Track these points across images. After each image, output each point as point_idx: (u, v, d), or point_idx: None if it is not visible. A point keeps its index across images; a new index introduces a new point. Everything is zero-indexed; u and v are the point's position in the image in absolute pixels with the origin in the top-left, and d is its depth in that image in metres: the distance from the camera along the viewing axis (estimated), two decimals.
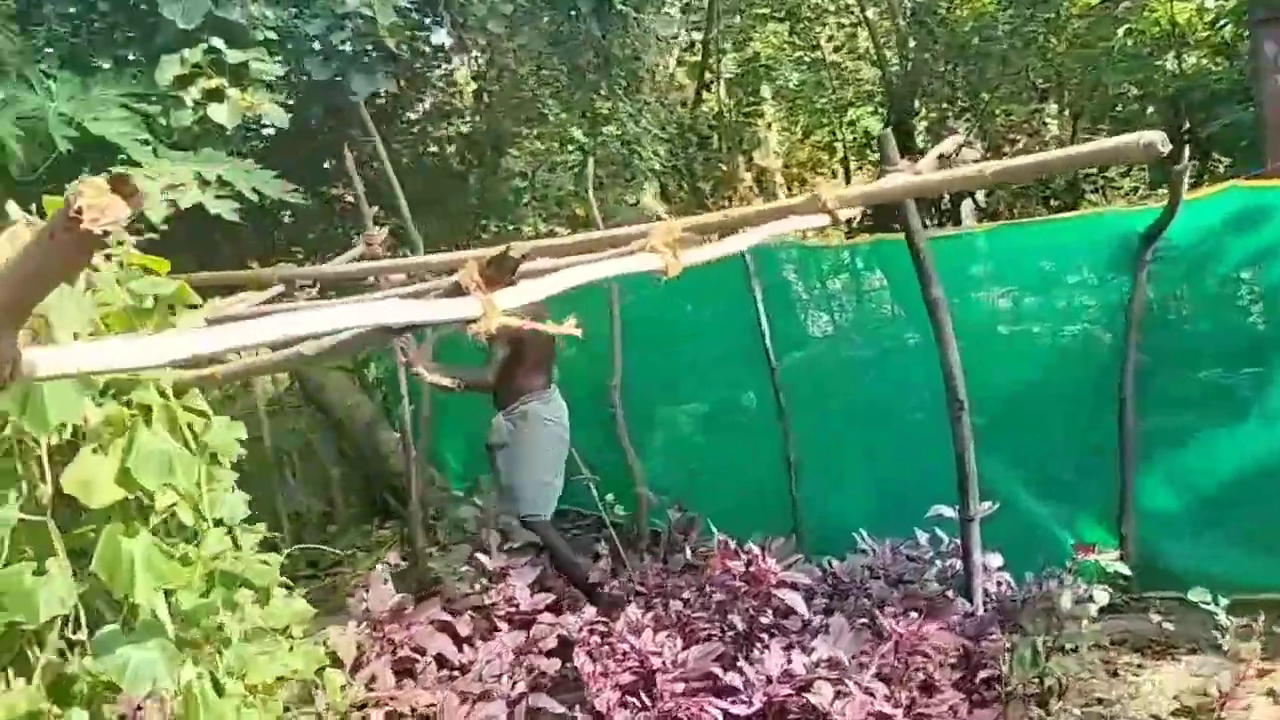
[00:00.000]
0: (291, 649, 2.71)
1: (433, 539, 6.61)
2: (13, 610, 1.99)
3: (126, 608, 2.11)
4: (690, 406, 7.28)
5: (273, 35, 5.32)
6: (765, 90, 12.77)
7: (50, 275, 1.16)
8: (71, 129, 4.49)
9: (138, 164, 4.60)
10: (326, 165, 8.03)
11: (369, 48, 5.60)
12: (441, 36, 7.32)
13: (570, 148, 8.17)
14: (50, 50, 5.22)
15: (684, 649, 3.50)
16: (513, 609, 4.01)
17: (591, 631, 3.70)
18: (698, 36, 11.40)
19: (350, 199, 8.58)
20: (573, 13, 6.19)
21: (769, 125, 12.92)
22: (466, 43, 7.29)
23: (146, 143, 4.70)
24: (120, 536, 2.09)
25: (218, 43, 4.93)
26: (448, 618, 3.73)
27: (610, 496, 5.24)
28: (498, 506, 5.10)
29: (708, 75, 11.48)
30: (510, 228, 8.23)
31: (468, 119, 8.45)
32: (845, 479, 5.99)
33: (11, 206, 2.07)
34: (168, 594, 2.21)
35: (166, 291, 2.21)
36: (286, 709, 2.88)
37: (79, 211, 1.07)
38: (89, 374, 1.63)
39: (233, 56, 4.98)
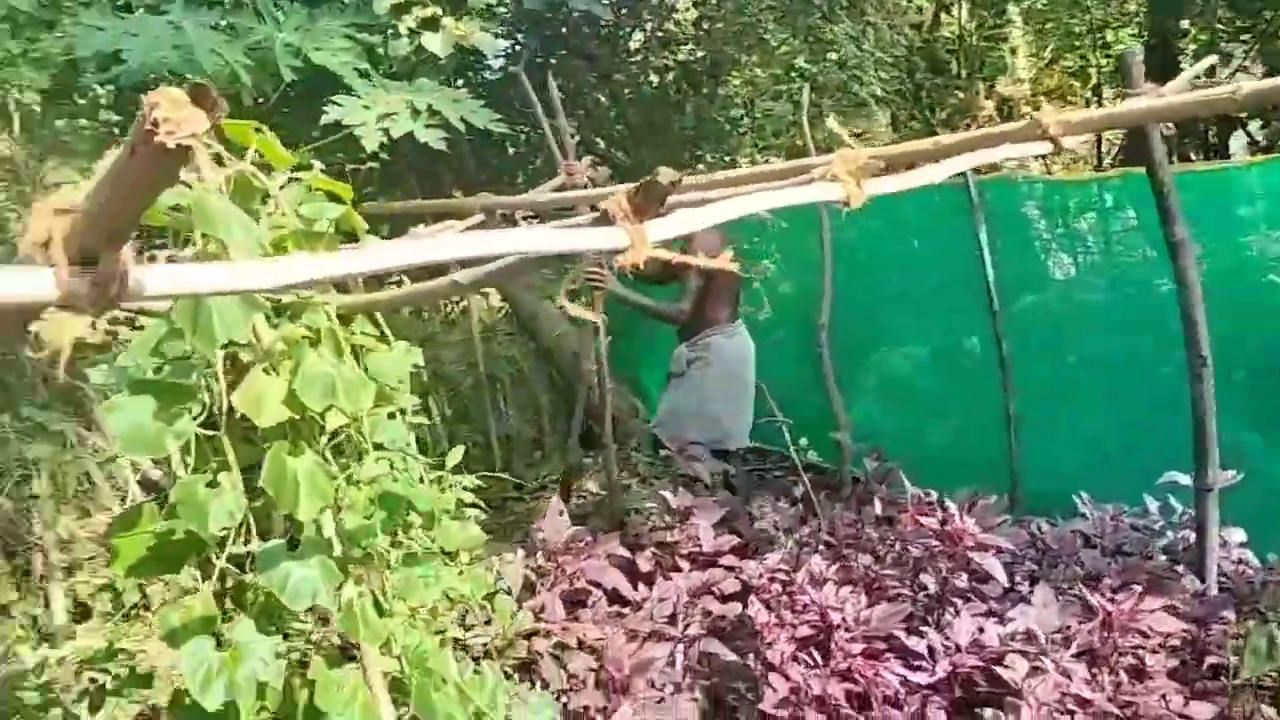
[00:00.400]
0: (461, 573, 2.74)
1: (634, 471, 6.68)
2: (186, 519, 2.07)
3: (293, 525, 2.17)
4: (904, 349, 6.95)
5: None
6: (1012, 10, 11.80)
7: (136, 190, 1.12)
8: (296, 59, 4.67)
9: (355, 93, 4.74)
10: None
11: None
12: None
13: (791, 75, 7.85)
14: None
15: (868, 607, 3.31)
16: (695, 549, 3.93)
17: (772, 579, 3.57)
18: None
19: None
20: None
21: (1014, 50, 11.96)
22: None
23: (365, 73, 4.82)
24: (286, 455, 2.14)
25: None
26: (626, 553, 3.70)
27: (804, 440, 5.05)
28: (661, 431, 5.11)
29: None
30: (726, 158, 8.04)
31: (687, 47, 8.27)
32: (1072, 437, 5.55)
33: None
34: (334, 514, 2.26)
35: (333, 215, 2.21)
36: (447, 632, 2.94)
37: (155, 124, 1.02)
38: (201, 294, 1.62)
39: None
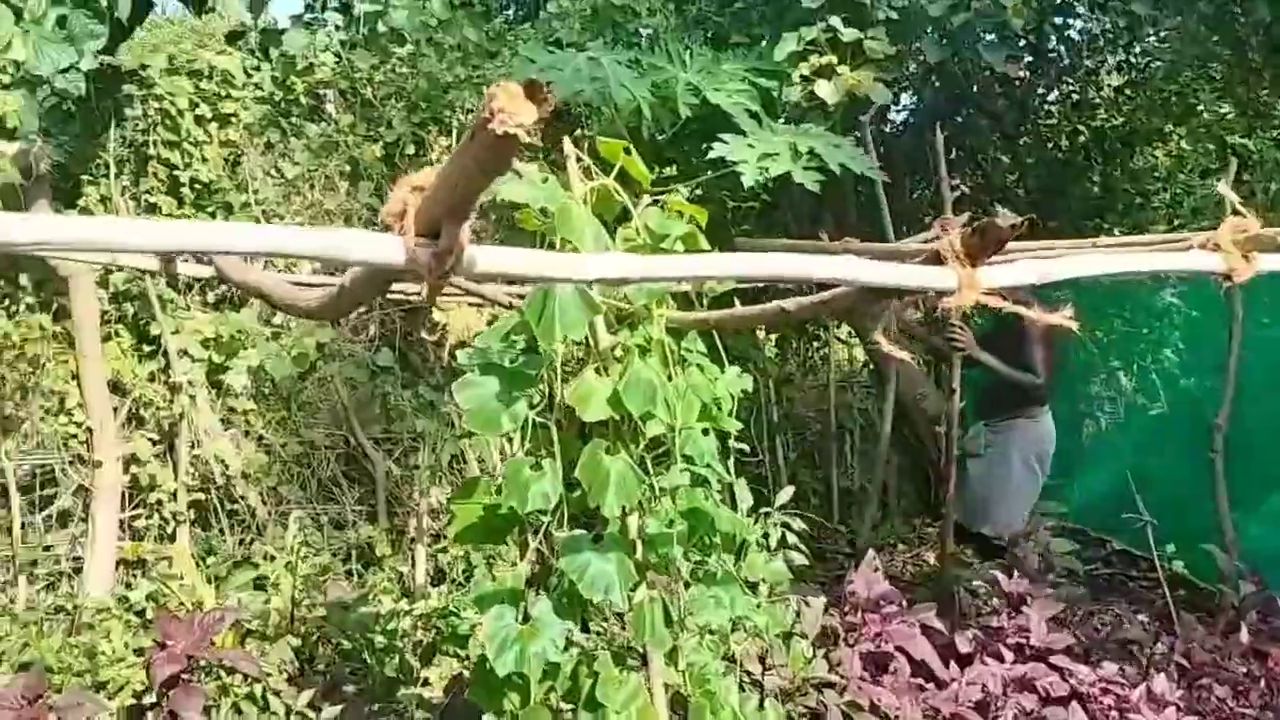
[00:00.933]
0: (759, 606, 2.73)
1: (980, 551, 6.29)
2: (508, 496, 2.26)
3: (600, 520, 2.29)
4: None
5: (894, 15, 5.33)
6: None
7: (473, 171, 1.25)
8: (694, 97, 4.95)
9: (743, 132, 4.93)
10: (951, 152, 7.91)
11: (989, 30, 5.35)
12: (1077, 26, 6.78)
13: (1226, 150, 7.06)
14: (700, 28, 5.80)
15: None
16: (1023, 639, 3.62)
17: (1105, 690, 3.21)
18: None
19: (964, 188, 8.42)
20: None
21: None
22: (1108, 30, 6.64)
23: (755, 115, 5.00)
24: (602, 453, 2.27)
25: (835, 21, 5.07)
26: (942, 628, 3.49)
27: (1170, 547, 4.49)
28: (964, 519, 4.78)
29: None
30: (1134, 232, 7.38)
31: (1104, 112, 7.71)
32: None
33: (565, 142, 2.31)
34: (639, 517, 2.35)
35: (679, 233, 2.31)
36: (737, 661, 2.93)
37: (492, 113, 1.14)
38: (518, 276, 1.75)
39: (848, 35, 5.09)
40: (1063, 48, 7.55)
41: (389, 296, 4.63)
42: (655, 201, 2.55)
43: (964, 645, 3.59)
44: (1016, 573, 3.86)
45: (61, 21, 4.14)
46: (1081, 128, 7.70)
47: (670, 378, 2.33)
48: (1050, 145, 8.22)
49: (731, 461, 3.18)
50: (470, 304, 3.79)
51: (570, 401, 2.26)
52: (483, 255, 1.40)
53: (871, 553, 3.64)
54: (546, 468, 2.27)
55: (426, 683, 3.84)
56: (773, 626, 2.75)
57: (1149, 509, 5.47)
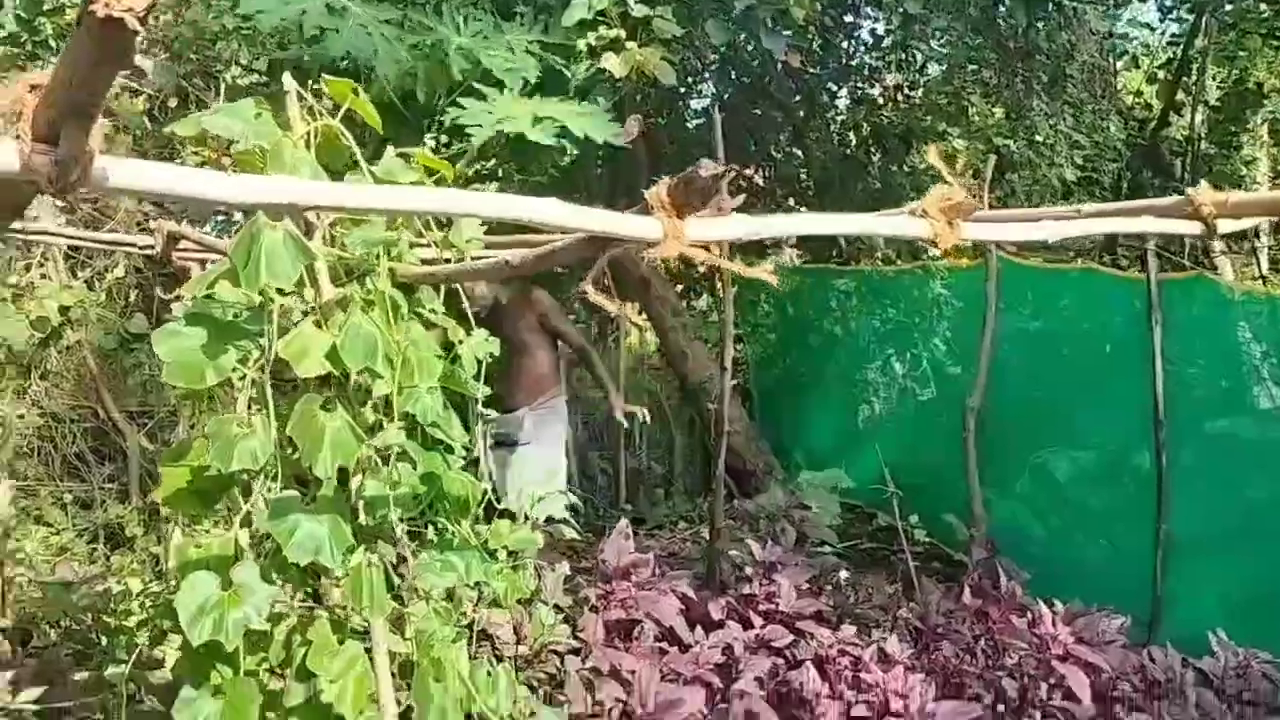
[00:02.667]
0: (500, 572, 2.67)
1: (755, 527, 6.45)
2: (215, 456, 2.10)
3: (315, 482, 2.17)
4: (1063, 452, 6.47)
5: None
6: (1256, 120, 10.95)
7: (86, 69, 1.12)
8: (466, 62, 4.80)
9: (483, 97, 4.78)
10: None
11: (771, 18, 5.48)
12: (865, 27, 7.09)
13: (991, 150, 7.53)
14: None
15: (936, 699, 3.03)
16: (773, 606, 3.72)
17: (842, 652, 3.34)
18: (1174, 51, 10.00)
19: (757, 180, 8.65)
20: None
21: (1252, 160, 11.07)
22: (883, 28, 6.97)
23: (527, 83, 4.89)
24: (318, 409, 2.15)
25: None
26: (692, 594, 3.54)
27: (914, 517, 4.75)
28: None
29: (1180, 96, 10.05)
30: None
31: (885, 110, 8.08)
32: (1233, 574, 4.99)
33: (286, 78, 2.17)
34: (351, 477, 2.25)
35: (409, 179, 2.22)
36: (484, 632, 2.87)
37: None
38: (159, 194, 1.62)
39: (638, 10, 5.09)
40: (850, 45, 7.88)
41: (141, 254, 4.32)
42: (402, 154, 2.44)
43: (716, 612, 3.66)
44: (770, 544, 3.96)
45: None
46: (864, 124, 8.05)
47: (399, 335, 2.23)
48: (837, 140, 8.56)
49: (481, 427, 3.12)
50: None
51: (284, 354, 2.12)
52: (118, 168, 1.27)
53: (624, 522, 3.65)
54: (256, 424, 2.13)
55: (161, 665, 3.58)
56: (512, 593, 2.69)
57: (915, 487, 5.78)
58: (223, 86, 5.46)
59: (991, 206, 5.69)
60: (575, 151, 5.02)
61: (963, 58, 7.02)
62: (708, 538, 6.41)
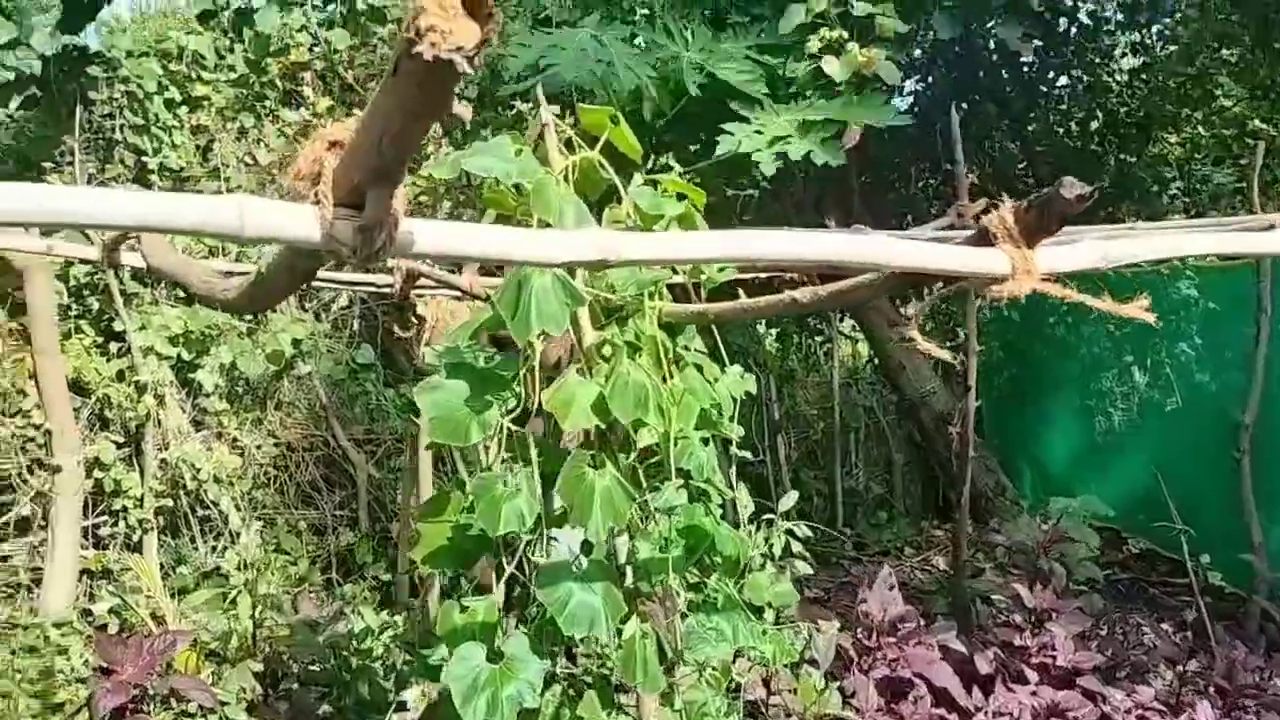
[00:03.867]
0: (765, 633, 2.44)
1: (991, 556, 6.00)
2: (480, 515, 1.96)
3: (584, 543, 1.99)
4: None
5: None
6: None
7: (399, 121, 0.95)
8: (701, 76, 4.64)
9: (744, 119, 4.63)
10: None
11: (1004, 7, 5.05)
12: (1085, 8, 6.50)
13: (1245, 137, 6.76)
14: (697, 4, 5.48)
15: None
16: (1048, 659, 3.33)
17: (1143, 716, 2.92)
18: None
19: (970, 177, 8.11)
20: None
21: None
22: (1113, 11, 6.37)
23: (754, 99, 4.70)
24: (586, 466, 1.97)
25: None
26: (963, 649, 3.20)
27: (1206, 557, 4.21)
28: None
29: None
30: (1150, 221, 7.11)
31: (1118, 96, 7.41)
32: None
33: (543, 110, 2.01)
34: (630, 538, 2.06)
35: (674, 213, 2.01)
36: (738, 693, 2.64)
37: (418, 33, 0.84)
38: (476, 258, 1.45)
39: (860, 8, 4.79)
40: (1074, 29, 7.25)
41: (372, 289, 4.34)
42: (650, 181, 2.25)
43: (984, 665, 3.31)
44: (1039, 587, 3.57)
45: None
46: (1096, 113, 7.40)
47: (665, 379, 2.03)
48: (1061, 132, 7.93)
49: (734, 471, 2.90)
50: (452, 296, 3.50)
51: (549, 407, 1.96)
52: (423, 231, 1.11)
53: (887, 569, 3.35)
54: (522, 483, 1.97)
55: (403, 707, 3.54)
56: (780, 655, 2.46)
57: (1165, 508, 5.18)
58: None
59: (1263, 194, 5.06)
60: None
61: (1208, 37, 6.32)
62: (943, 567, 6.02)
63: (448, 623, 2.06)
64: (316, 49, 5.55)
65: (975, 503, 7.02)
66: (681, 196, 2.28)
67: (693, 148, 5.16)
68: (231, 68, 5.54)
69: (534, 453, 2.00)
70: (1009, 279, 1.41)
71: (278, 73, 5.56)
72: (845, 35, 4.79)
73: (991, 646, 3.44)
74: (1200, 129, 7.45)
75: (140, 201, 0.98)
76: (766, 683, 2.94)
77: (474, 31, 0.87)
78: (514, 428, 1.99)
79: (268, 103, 5.53)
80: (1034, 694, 3.06)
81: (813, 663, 2.86)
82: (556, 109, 2.03)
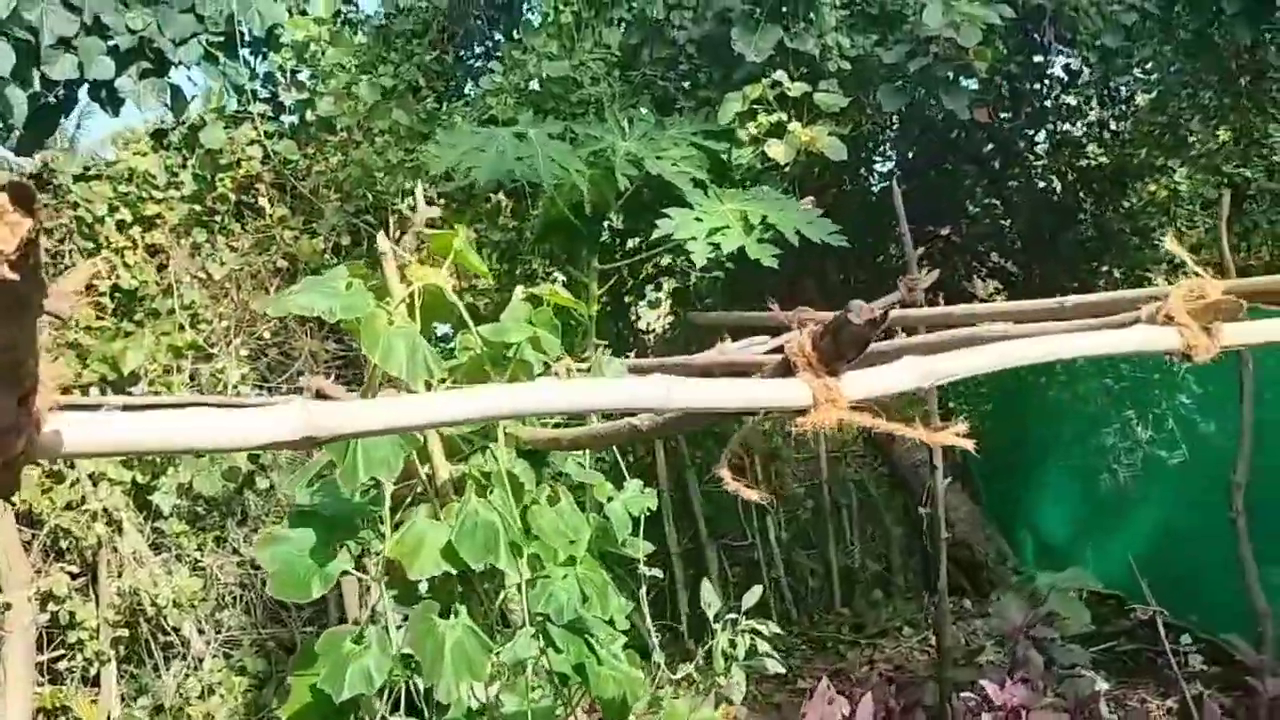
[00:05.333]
0: None
1: (991, 633, 5.74)
2: (326, 680, 1.82)
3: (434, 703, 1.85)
4: None
5: (846, 65, 4.98)
6: None
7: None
8: (634, 167, 4.59)
9: (688, 205, 4.56)
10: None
11: (950, 74, 4.97)
12: (1058, 64, 6.44)
13: (1220, 181, 6.62)
14: (646, 93, 5.47)
15: None
16: None
17: None
18: None
19: (954, 239, 8.00)
20: (1213, 14, 4.88)
21: None
22: (1079, 64, 6.30)
23: (701, 183, 4.64)
24: (434, 616, 1.83)
25: (780, 76, 4.73)
26: None
27: (1191, 631, 3.98)
28: None
29: None
30: (1133, 273, 6.94)
31: (1088, 150, 7.31)
32: None
33: (380, 238, 1.92)
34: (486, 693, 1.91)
35: (520, 339, 1.90)
36: None
37: None
38: (142, 452, 1.34)
39: (795, 90, 4.74)
40: (1041, 86, 7.19)
41: None
42: (530, 297, 2.15)
43: None
44: (1011, 681, 3.36)
45: None
46: (1068, 169, 7.29)
47: (525, 512, 1.90)
48: (1040, 189, 7.82)
49: (644, 592, 2.75)
50: None
51: (394, 555, 1.83)
52: (76, 427, 0.99)
53: (824, 683, 3.15)
54: (371, 639, 1.84)
55: None
56: None
57: (1174, 576, 4.94)
58: (391, 220, 5.47)
59: (1232, 247, 4.90)
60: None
61: (1176, 84, 6.23)
62: (935, 649, 5.77)
63: None
64: (268, 161, 5.56)
65: (976, 574, 6.77)
66: (562, 311, 2.18)
67: (643, 233, 5.10)
68: (180, 184, 5.54)
69: (388, 606, 1.87)
70: (812, 409, 1.29)
71: (230, 187, 5.56)
72: (785, 117, 4.74)
73: None
74: (1178, 177, 7.33)
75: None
76: None
77: (18, 229, 0.76)
78: (360, 575, 1.87)
79: (219, 217, 5.52)
80: None
81: None
82: (390, 242, 1.93)
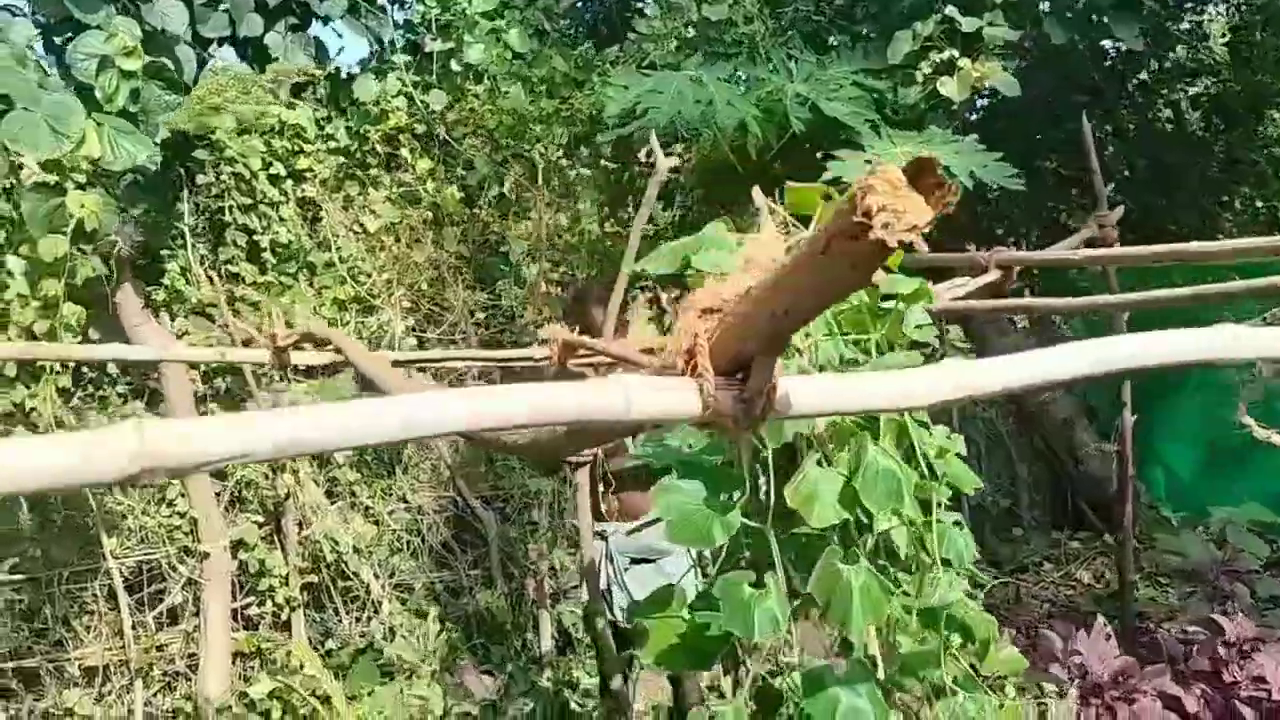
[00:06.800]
0: (1002, 707, 2.31)
1: (1139, 569, 5.78)
2: (729, 621, 1.87)
3: (838, 641, 1.90)
4: None
5: None
6: None
7: (818, 294, 0.88)
8: (805, 109, 4.55)
9: (860, 146, 4.52)
10: (1038, 136, 7.43)
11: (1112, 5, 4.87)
12: None
13: None
14: (793, 31, 5.39)
15: None
16: (1260, 693, 3.16)
17: None
18: None
19: (1063, 172, 7.88)
20: None
21: None
22: None
23: (873, 124, 4.59)
24: (838, 561, 1.88)
25: (952, 11, 4.65)
26: (1177, 691, 3.04)
27: None
28: None
29: None
30: (1267, 206, 6.83)
31: (1219, 77, 7.14)
32: None
33: (756, 193, 1.93)
34: (883, 633, 1.96)
35: (908, 290, 1.92)
36: None
37: (868, 214, 0.77)
38: (852, 412, 1.37)
39: (967, 24, 4.66)
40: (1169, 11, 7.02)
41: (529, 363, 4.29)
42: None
43: (1191, 704, 3.14)
44: (1239, 616, 3.39)
45: (135, 95, 3.88)
46: (1196, 96, 7.14)
47: (916, 465, 1.94)
48: (1160, 119, 7.67)
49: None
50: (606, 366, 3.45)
51: (793, 503, 1.87)
52: (801, 389, 1.03)
53: (1101, 619, 3.20)
54: (770, 584, 1.89)
55: None
56: None
57: None
58: (538, 168, 5.47)
59: None
60: None
61: None
62: (1088, 581, 5.82)
63: None
64: (414, 111, 5.56)
65: (1108, 511, 6.78)
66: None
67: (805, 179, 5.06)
68: (330, 137, 5.57)
69: (776, 551, 1.92)
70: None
71: (378, 139, 5.58)
72: (956, 53, 4.67)
73: (1195, 684, 3.27)
74: None
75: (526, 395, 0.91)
76: None
77: (923, 208, 0.79)
78: (753, 524, 1.91)
79: (371, 170, 5.55)
80: None
81: None
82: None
